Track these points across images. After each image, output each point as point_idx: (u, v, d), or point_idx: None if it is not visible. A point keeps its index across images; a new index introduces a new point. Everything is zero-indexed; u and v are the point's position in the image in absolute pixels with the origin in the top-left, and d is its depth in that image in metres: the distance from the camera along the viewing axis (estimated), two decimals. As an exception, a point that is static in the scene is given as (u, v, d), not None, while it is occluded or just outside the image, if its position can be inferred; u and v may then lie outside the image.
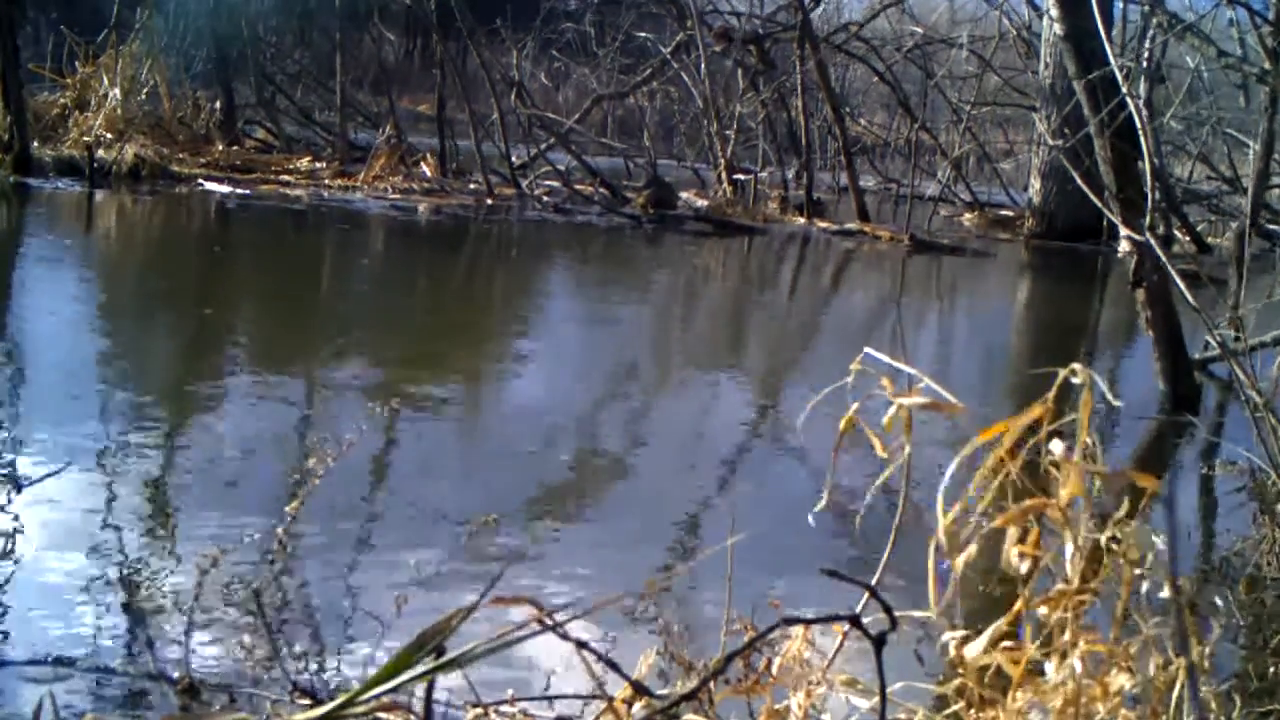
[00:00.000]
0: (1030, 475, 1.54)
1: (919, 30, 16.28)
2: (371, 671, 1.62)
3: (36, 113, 11.30)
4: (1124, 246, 5.38)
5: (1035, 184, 13.71)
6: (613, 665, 1.68)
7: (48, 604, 2.57)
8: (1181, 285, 4.28)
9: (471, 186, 12.23)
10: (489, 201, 11.61)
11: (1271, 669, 2.04)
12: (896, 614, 1.48)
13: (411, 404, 4.62)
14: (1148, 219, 4.64)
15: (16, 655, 2.32)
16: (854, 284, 10.38)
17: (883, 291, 9.33)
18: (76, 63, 12.19)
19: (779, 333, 7.60)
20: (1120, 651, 1.52)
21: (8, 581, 2.66)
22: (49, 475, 3.29)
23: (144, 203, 9.99)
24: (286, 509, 2.80)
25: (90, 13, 13.17)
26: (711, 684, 1.77)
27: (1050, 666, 1.54)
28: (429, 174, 12.52)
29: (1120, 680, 1.52)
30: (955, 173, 15.19)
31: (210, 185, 10.77)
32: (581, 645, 1.67)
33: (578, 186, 12.58)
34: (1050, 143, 12.09)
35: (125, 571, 2.81)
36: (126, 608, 2.63)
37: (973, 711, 1.64)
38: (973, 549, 1.53)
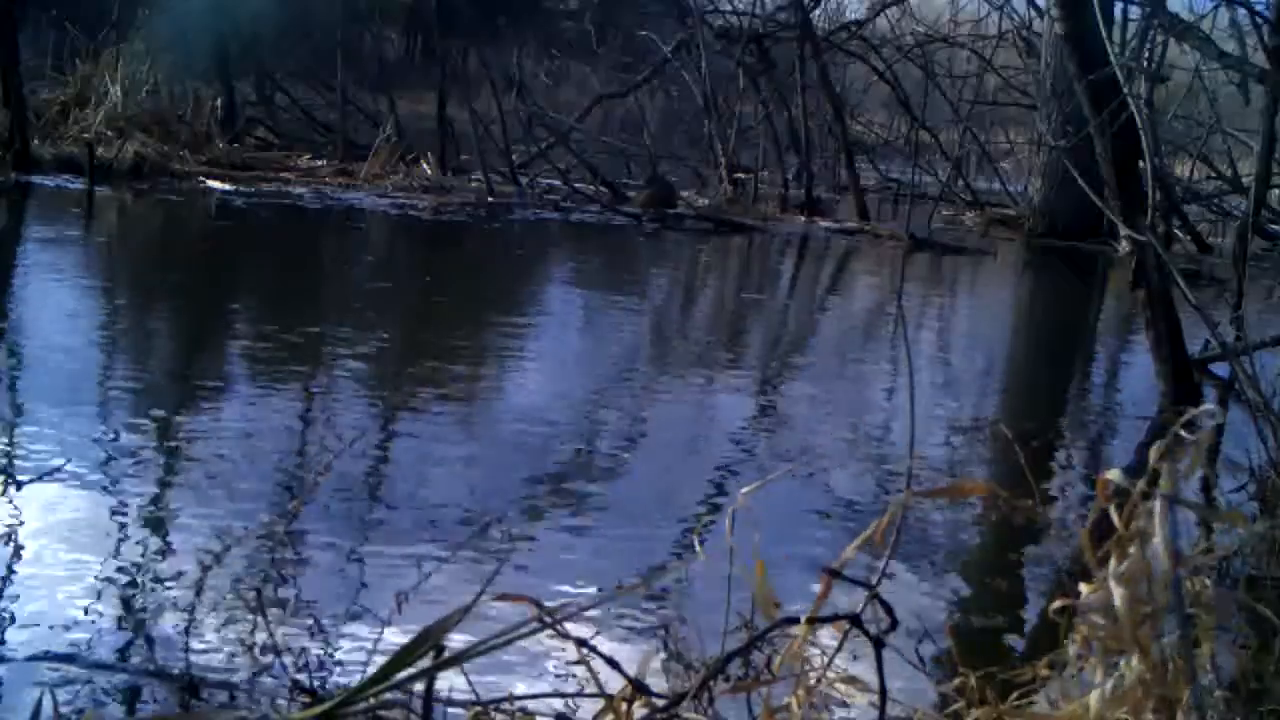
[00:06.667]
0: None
1: (919, 29, 16.25)
2: (372, 669, 1.62)
3: (37, 110, 11.30)
4: (1124, 246, 5.38)
5: (1036, 183, 13.69)
6: (613, 664, 1.68)
7: (47, 601, 2.57)
8: (1182, 285, 4.28)
9: (472, 185, 12.22)
10: (489, 200, 11.60)
11: (1271, 669, 2.04)
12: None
13: (415, 400, 4.63)
14: (1148, 218, 4.64)
15: (16, 653, 2.32)
16: (854, 282, 10.38)
17: (882, 290, 9.32)
18: (77, 60, 12.18)
19: (779, 331, 7.59)
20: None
21: (7, 578, 2.66)
22: (49, 472, 3.29)
23: (144, 200, 9.98)
24: (288, 505, 2.80)
25: (91, 10, 13.17)
26: (711, 683, 1.77)
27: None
28: (429, 172, 12.52)
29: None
30: (955, 171, 15.17)
31: (211, 183, 10.75)
32: (582, 644, 1.68)
33: (578, 185, 12.57)
34: (1051, 142, 12.08)
35: (125, 568, 2.81)
36: (126, 605, 2.63)
37: (973, 711, 1.64)
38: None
